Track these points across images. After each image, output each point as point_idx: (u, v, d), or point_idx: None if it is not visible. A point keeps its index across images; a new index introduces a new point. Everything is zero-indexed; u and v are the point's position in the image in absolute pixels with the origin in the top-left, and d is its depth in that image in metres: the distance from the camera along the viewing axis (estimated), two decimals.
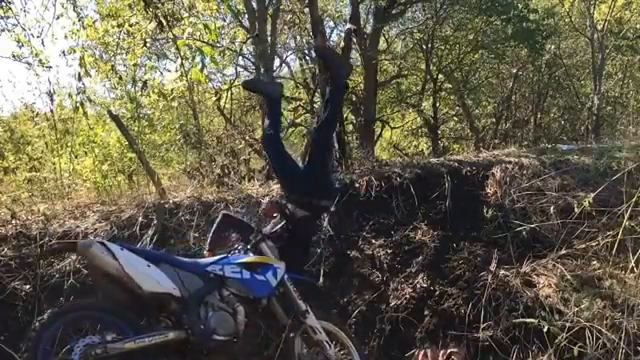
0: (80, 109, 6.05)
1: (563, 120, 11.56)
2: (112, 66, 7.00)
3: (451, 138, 12.19)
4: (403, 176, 4.76)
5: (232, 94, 10.27)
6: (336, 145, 6.09)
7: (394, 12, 9.33)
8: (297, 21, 10.10)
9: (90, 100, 6.54)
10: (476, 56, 10.61)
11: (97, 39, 7.12)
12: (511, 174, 4.75)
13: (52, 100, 6.65)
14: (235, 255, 3.13)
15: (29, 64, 6.35)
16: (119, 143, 7.41)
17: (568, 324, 3.32)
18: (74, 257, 4.15)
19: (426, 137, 11.99)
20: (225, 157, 6.41)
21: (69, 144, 7.12)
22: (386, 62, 11.15)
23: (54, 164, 6.98)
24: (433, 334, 3.70)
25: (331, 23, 11.63)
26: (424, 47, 10.30)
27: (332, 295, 4.06)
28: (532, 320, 3.41)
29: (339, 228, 4.43)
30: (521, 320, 3.49)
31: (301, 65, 12.10)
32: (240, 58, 11.00)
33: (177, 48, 6.27)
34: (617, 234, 3.40)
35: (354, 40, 8.89)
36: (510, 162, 4.94)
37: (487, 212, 4.35)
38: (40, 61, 6.33)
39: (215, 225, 3.48)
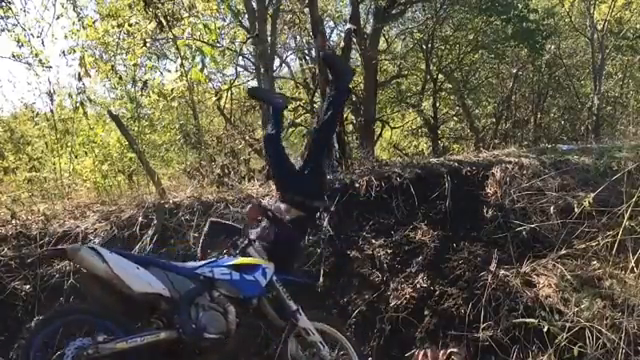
0: (80, 109, 6.06)
1: (563, 120, 11.56)
2: (112, 66, 7.00)
3: (451, 138, 12.20)
4: (403, 176, 4.76)
5: (232, 94, 10.29)
6: (336, 145, 6.08)
7: (394, 12, 9.34)
8: (297, 21, 10.10)
9: (90, 100, 6.55)
10: (476, 56, 10.62)
11: (97, 39, 7.13)
12: (511, 174, 4.75)
13: (52, 100, 6.66)
14: (224, 258, 3.15)
15: (29, 64, 6.37)
16: (119, 143, 7.41)
17: (568, 324, 3.32)
18: None
19: (426, 137, 12.00)
20: (225, 157, 6.42)
21: (69, 144, 7.12)
22: (386, 62, 11.16)
23: (54, 164, 6.98)
24: (433, 334, 3.70)
25: (331, 23, 11.67)
26: (424, 47, 10.31)
27: (332, 295, 4.07)
28: (532, 320, 3.41)
29: (339, 228, 4.43)
30: (521, 320, 3.49)
31: (301, 65, 12.12)
32: (240, 58, 11.04)
33: (177, 48, 6.28)
34: (617, 234, 3.39)
35: (354, 40, 8.89)
36: (510, 162, 4.94)
37: (487, 212, 4.36)
38: (40, 61, 6.35)
39: (204, 232, 3.50)
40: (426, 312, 3.83)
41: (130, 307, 2.82)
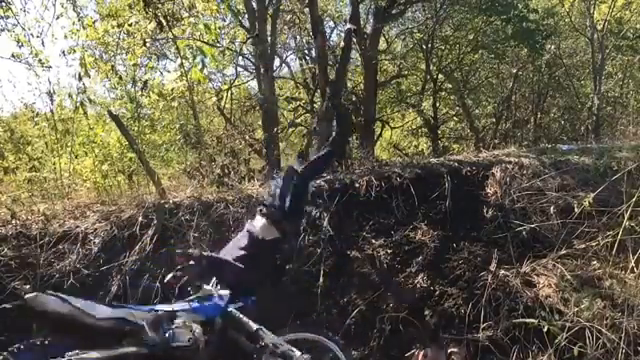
0: (80, 109, 6.05)
1: (563, 120, 11.56)
2: (112, 66, 6.98)
3: (451, 138, 12.20)
4: (403, 176, 4.76)
5: (232, 94, 10.30)
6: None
7: (394, 12, 9.33)
8: (297, 21, 10.11)
9: (90, 100, 6.52)
10: (476, 56, 10.62)
11: (97, 39, 7.12)
12: (511, 174, 4.76)
13: (52, 100, 6.65)
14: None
15: (29, 64, 6.36)
16: (119, 143, 7.39)
17: (568, 324, 3.32)
18: (74, 257, 4.16)
19: (426, 137, 12.00)
20: (225, 157, 6.42)
21: (69, 144, 7.11)
22: (386, 62, 11.17)
23: (54, 164, 6.96)
24: (433, 334, 3.71)
25: (331, 23, 11.67)
26: (424, 47, 10.31)
27: (332, 295, 4.07)
28: (532, 320, 3.41)
29: (339, 228, 4.43)
30: (521, 320, 3.49)
31: (301, 65, 12.12)
32: (240, 58, 11.04)
33: (177, 48, 6.26)
34: (617, 234, 3.40)
35: (354, 40, 8.88)
36: (510, 162, 4.95)
37: (487, 212, 4.36)
38: (40, 61, 6.33)
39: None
40: (426, 312, 3.84)
41: (95, 339, 2.81)
